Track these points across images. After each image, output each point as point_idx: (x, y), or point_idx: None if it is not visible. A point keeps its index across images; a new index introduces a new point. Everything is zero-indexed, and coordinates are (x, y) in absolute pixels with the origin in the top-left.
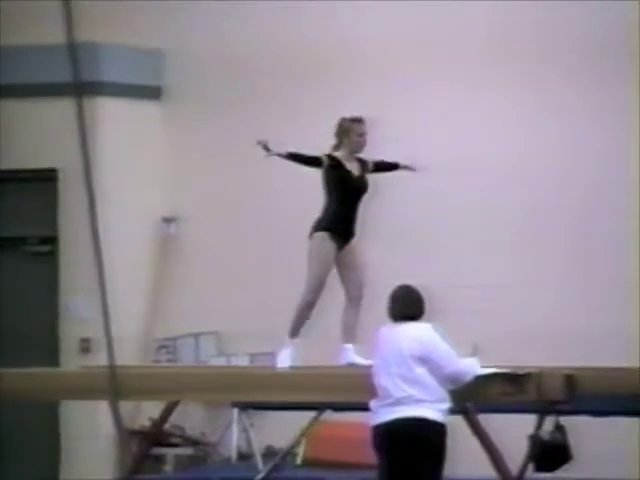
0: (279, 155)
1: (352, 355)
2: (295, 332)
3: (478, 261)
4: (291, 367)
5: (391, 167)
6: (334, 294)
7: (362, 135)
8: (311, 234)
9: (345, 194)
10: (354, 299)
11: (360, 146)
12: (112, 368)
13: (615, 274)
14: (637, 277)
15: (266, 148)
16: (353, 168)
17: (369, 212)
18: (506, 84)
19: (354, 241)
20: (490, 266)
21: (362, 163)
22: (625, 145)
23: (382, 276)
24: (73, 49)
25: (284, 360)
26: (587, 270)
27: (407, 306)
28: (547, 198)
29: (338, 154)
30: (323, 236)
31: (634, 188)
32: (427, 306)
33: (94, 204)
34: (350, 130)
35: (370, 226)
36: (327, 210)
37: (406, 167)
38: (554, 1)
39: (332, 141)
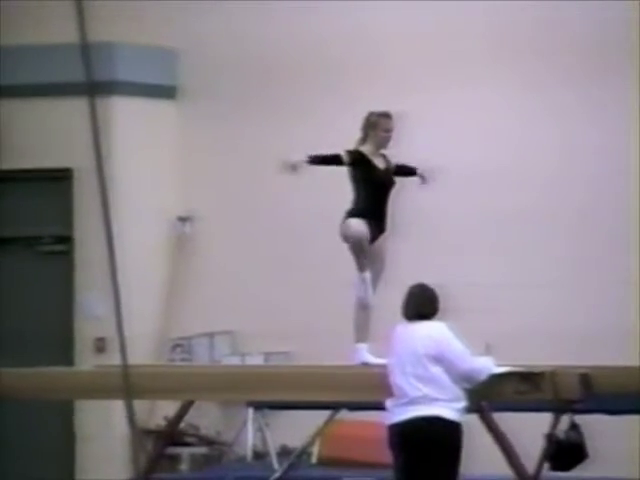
0: (300, 165)
1: (365, 354)
2: (361, 337)
3: (489, 259)
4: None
5: (410, 172)
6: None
7: (389, 131)
8: (344, 221)
9: (373, 188)
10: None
11: (386, 141)
12: (125, 367)
13: (618, 272)
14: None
15: (290, 166)
16: (379, 163)
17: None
18: (507, 83)
19: (385, 235)
20: (500, 265)
21: (386, 160)
22: (625, 144)
23: (395, 274)
24: (86, 48)
25: (371, 357)
26: (592, 268)
27: (421, 305)
28: (548, 197)
29: (364, 148)
30: (359, 221)
31: (634, 187)
32: (441, 305)
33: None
34: (377, 125)
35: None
36: (357, 204)
37: (421, 176)
38: (553, 1)
39: (347, 139)
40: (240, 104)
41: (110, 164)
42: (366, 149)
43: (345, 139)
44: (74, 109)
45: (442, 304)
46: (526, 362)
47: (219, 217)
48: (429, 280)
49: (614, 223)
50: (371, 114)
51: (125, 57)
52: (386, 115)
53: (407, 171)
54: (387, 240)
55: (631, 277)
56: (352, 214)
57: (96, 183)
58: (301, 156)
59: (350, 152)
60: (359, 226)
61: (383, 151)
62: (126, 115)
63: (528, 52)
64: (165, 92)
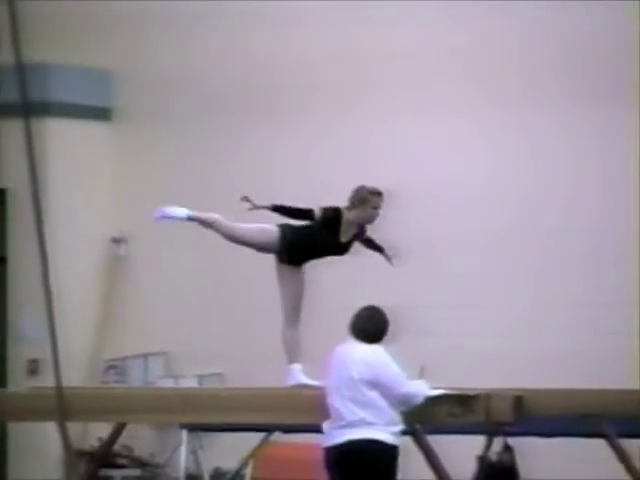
0: (263, 208)
1: (300, 375)
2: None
3: (426, 282)
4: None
5: (376, 249)
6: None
7: (377, 208)
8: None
9: (321, 248)
10: (291, 318)
11: (372, 218)
12: (59, 389)
13: (559, 294)
14: (592, 298)
15: (248, 201)
16: (346, 233)
17: None
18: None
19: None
20: (436, 286)
21: (361, 230)
22: (595, 166)
23: (332, 296)
24: (21, 70)
25: (297, 378)
26: (531, 290)
27: (368, 327)
28: (516, 219)
29: (346, 213)
30: (278, 265)
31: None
32: (390, 328)
33: (41, 225)
34: (367, 201)
35: None
36: (298, 238)
37: (386, 257)
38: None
39: (281, 163)
40: (175, 126)
41: (44, 185)
42: (347, 216)
43: (281, 163)
44: (7, 130)
45: (393, 326)
46: (462, 384)
47: (153, 239)
48: (364, 301)
49: (557, 245)
50: (363, 188)
51: (59, 78)
52: (377, 193)
53: (373, 247)
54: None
55: (573, 299)
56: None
57: (30, 204)
58: (265, 203)
59: (328, 209)
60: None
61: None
62: (60, 136)
63: (508, 74)
64: (99, 114)
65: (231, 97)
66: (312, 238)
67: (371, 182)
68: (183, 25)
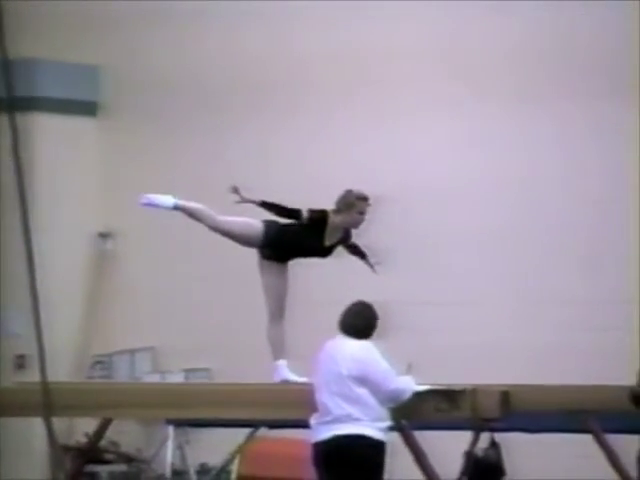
0: (252, 202)
1: (286, 372)
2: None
3: (415, 278)
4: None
5: (360, 255)
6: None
7: (363, 214)
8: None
9: (306, 249)
10: (275, 315)
11: (358, 223)
12: (45, 384)
13: (548, 291)
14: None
15: (237, 193)
16: (331, 237)
17: None
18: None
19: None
20: (425, 283)
21: (346, 235)
22: (618, 160)
23: (323, 292)
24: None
25: (283, 374)
26: (518, 287)
27: (357, 322)
28: (512, 216)
29: (332, 218)
30: (260, 261)
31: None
32: (380, 324)
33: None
34: (354, 206)
35: None
36: (281, 235)
37: (369, 265)
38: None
39: (269, 155)
40: (162, 122)
41: (30, 180)
42: (334, 219)
43: (276, 161)
44: None
45: (383, 322)
46: (451, 380)
47: (140, 234)
48: (354, 297)
49: (546, 241)
50: (350, 193)
51: (46, 73)
52: (364, 198)
53: (357, 253)
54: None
55: (569, 296)
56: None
57: (16, 199)
58: (254, 198)
59: (315, 211)
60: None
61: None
62: (46, 131)
63: (505, 73)
64: (86, 108)
65: (218, 93)
66: (296, 237)
67: (368, 180)
68: (172, 21)
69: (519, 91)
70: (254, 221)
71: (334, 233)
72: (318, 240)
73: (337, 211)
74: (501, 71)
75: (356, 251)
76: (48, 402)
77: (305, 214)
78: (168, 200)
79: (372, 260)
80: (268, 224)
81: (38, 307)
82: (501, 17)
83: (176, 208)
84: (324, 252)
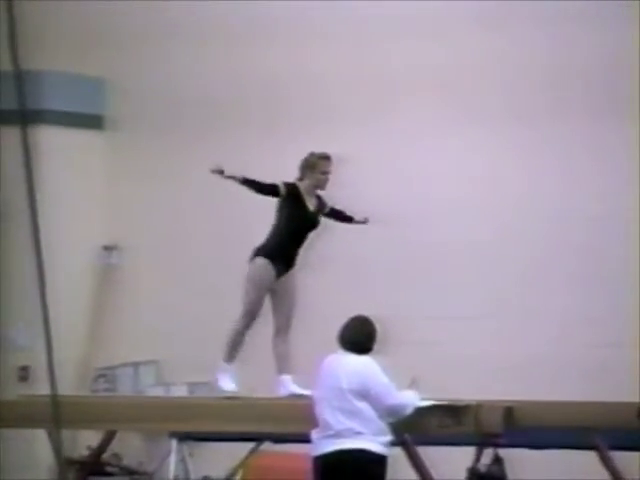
0: (234, 179)
1: (291, 385)
2: (231, 356)
3: (421, 292)
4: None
5: (345, 219)
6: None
7: (326, 173)
8: (252, 258)
9: (296, 226)
10: (282, 329)
11: (323, 183)
12: (54, 397)
13: (551, 307)
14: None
15: (221, 172)
16: (310, 203)
17: (316, 242)
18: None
19: (292, 271)
20: (431, 297)
21: (320, 201)
22: (616, 177)
23: (327, 306)
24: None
25: (228, 384)
26: (523, 302)
27: (357, 338)
28: (509, 231)
29: (301, 186)
30: (265, 263)
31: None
32: (379, 339)
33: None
34: (316, 166)
35: (315, 256)
36: (273, 237)
37: (359, 222)
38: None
39: (276, 173)
40: (167, 134)
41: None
42: (302, 187)
43: (274, 172)
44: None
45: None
46: (453, 395)
47: (145, 247)
48: (355, 312)
49: (550, 257)
50: (311, 155)
51: (52, 86)
52: (325, 157)
53: (343, 217)
54: (295, 277)
55: (567, 312)
56: (260, 252)
57: (20, 212)
58: (236, 174)
59: (287, 185)
60: (264, 281)
61: (320, 192)
62: (53, 144)
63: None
64: (92, 122)
65: (226, 108)
66: (284, 227)
67: (370, 198)
68: (180, 35)
69: (517, 109)
70: (261, 268)
71: (310, 199)
72: (303, 209)
73: (302, 176)
74: (498, 90)
75: (340, 216)
76: (58, 415)
77: (282, 187)
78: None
79: (361, 218)
80: (259, 253)
81: (48, 320)
82: (501, 38)
83: None
84: (313, 220)
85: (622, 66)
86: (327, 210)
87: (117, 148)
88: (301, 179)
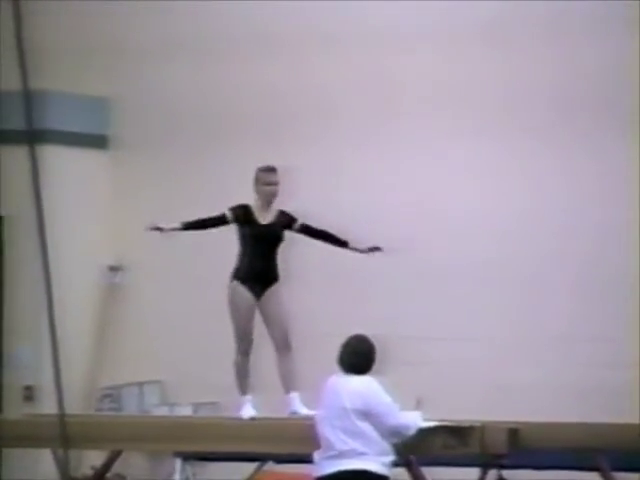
0: (174, 229)
1: (297, 403)
2: (243, 388)
3: (423, 312)
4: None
5: (335, 241)
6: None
7: (270, 184)
8: (229, 284)
9: (253, 243)
10: (282, 349)
11: (269, 195)
12: (62, 416)
13: (554, 327)
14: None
15: (159, 228)
16: (263, 218)
17: (310, 259)
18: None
19: (275, 288)
20: (434, 318)
21: (283, 216)
22: (617, 191)
23: (329, 324)
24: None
25: (247, 412)
26: (527, 323)
27: (354, 358)
28: (510, 251)
29: (253, 203)
30: (234, 285)
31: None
32: (378, 358)
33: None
34: (259, 179)
35: (318, 275)
36: (240, 259)
37: (362, 251)
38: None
39: (280, 188)
40: (172, 154)
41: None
42: (254, 204)
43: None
44: (3, 158)
45: (378, 357)
46: (456, 415)
47: (150, 267)
48: (357, 332)
49: (551, 277)
50: (256, 169)
51: (56, 106)
52: (267, 169)
53: (315, 234)
54: (279, 292)
55: (569, 332)
56: (231, 276)
57: (26, 231)
58: (173, 224)
59: (233, 208)
60: (241, 304)
61: (283, 208)
62: (58, 164)
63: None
64: (97, 141)
65: (231, 126)
66: (244, 248)
67: (372, 215)
68: (183, 53)
69: (520, 123)
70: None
71: (263, 214)
72: (256, 225)
73: (255, 192)
74: (502, 104)
75: (313, 232)
76: (65, 435)
77: (228, 214)
78: None
79: (365, 248)
80: (234, 279)
81: (56, 340)
82: (505, 50)
83: None
84: (269, 233)
85: (624, 78)
86: (297, 226)
87: (121, 167)
88: (256, 195)
